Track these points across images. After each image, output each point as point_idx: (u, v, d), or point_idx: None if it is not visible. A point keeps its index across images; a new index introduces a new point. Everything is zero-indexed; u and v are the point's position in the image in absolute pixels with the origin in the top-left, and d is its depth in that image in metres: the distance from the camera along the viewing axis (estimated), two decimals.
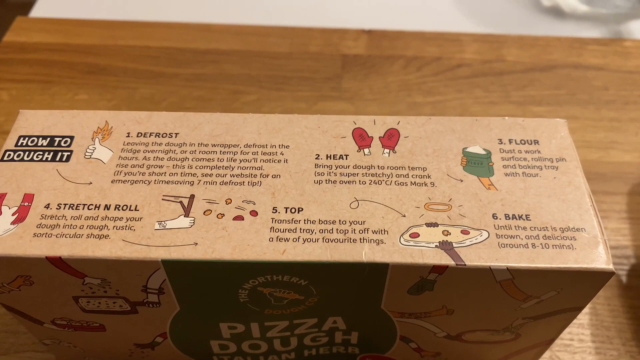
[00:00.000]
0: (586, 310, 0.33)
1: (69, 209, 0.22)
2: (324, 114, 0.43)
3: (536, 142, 0.24)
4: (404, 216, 0.21)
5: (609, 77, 0.45)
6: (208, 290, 0.22)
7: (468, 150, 0.23)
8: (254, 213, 0.21)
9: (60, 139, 0.24)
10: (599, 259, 0.20)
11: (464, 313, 0.23)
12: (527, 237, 0.21)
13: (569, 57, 0.46)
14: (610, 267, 0.20)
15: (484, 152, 0.23)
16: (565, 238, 0.21)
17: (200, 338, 0.25)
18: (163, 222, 0.21)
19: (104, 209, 0.22)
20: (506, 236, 0.21)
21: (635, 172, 0.39)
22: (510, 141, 0.24)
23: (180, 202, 0.22)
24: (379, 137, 0.24)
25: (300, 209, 0.22)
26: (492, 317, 0.23)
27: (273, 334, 0.25)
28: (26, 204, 0.22)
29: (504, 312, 0.23)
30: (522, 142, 0.24)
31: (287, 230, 0.21)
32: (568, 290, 0.21)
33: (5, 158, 0.23)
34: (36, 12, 0.52)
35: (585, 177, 0.39)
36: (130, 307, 0.23)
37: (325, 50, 0.47)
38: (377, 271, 0.21)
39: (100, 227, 0.21)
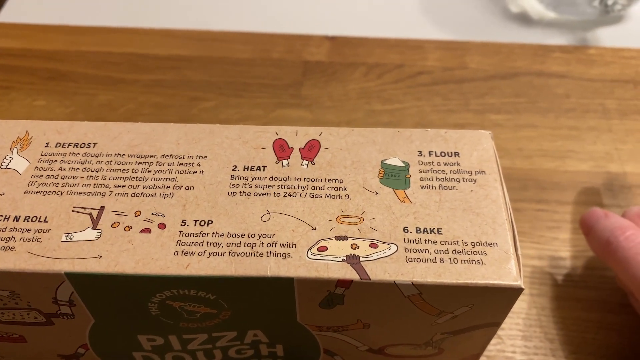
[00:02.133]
0: (531, 322, 0.32)
1: None
2: (282, 121, 0.43)
3: (457, 154, 0.23)
4: (315, 229, 0.21)
5: (570, 84, 0.45)
6: (118, 303, 0.22)
7: (386, 162, 0.23)
8: (162, 226, 0.21)
9: None
10: (508, 275, 0.20)
11: (381, 327, 0.23)
12: (436, 251, 0.21)
13: (532, 65, 0.46)
14: (519, 283, 0.20)
15: (402, 164, 0.23)
16: (475, 253, 0.21)
17: (121, 349, 0.25)
18: (70, 234, 0.21)
19: (14, 220, 0.21)
20: (415, 250, 0.20)
21: (590, 181, 0.39)
22: (430, 153, 0.23)
23: (90, 214, 0.22)
24: (299, 148, 0.23)
25: (210, 222, 0.21)
26: (410, 332, 0.23)
27: (194, 346, 0.25)
28: None
29: (420, 327, 0.22)
30: (442, 154, 0.23)
31: (193, 244, 0.21)
32: (480, 306, 0.21)
33: None
34: (2, 17, 0.52)
35: (541, 186, 0.39)
36: (45, 319, 0.23)
37: (287, 57, 0.47)
38: (283, 285, 0.20)
39: (7, 239, 0.21)
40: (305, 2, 0.52)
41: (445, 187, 0.22)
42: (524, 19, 0.52)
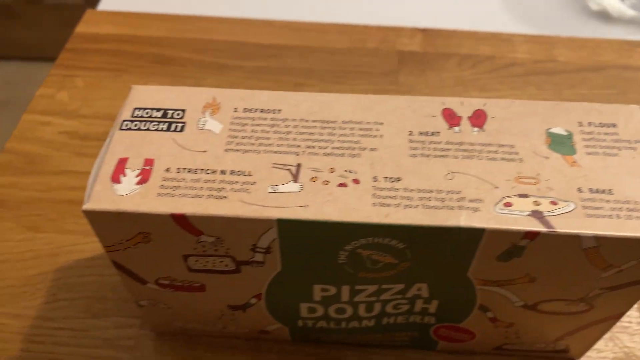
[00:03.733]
0: None
1: (187, 172, 0.24)
2: None
3: (614, 125, 0.25)
4: (497, 188, 0.23)
5: None
6: (311, 250, 0.24)
7: (551, 131, 0.25)
8: (356, 181, 0.23)
9: (173, 111, 0.26)
10: None
11: (545, 281, 0.25)
12: (611, 209, 0.22)
13: (619, 59, 0.48)
14: None
15: (566, 133, 0.25)
16: None
17: (292, 300, 0.27)
18: (275, 187, 0.23)
19: (221, 174, 0.24)
20: (592, 207, 0.22)
21: None
22: (589, 124, 0.25)
23: (289, 170, 0.24)
24: (468, 117, 0.26)
25: (399, 179, 0.23)
26: (570, 286, 0.25)
27: (360, 298, 0.27)
28: (148, 167, 0.24)
29: (583, 281, 0.24)
30: (601, 125, 0.25)
31: (388, 197, 0.23)
32: None
33: (123, 127, 0.25)
34: (102, 5, 0.55)
35: None
36: (235, 267, 0.25)
37: (381, 47, 0.49)
38: (472, 236, 0.22)
39: (219, 189, 0.23)
40: None
41: (609, 154, 0.24)
42: (602, 16, 0.54)
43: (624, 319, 0.33)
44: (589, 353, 0.32)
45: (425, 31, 0.50)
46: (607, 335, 0.33)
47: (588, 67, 0.47)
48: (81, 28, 0.51)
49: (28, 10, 1.31)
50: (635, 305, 0.34)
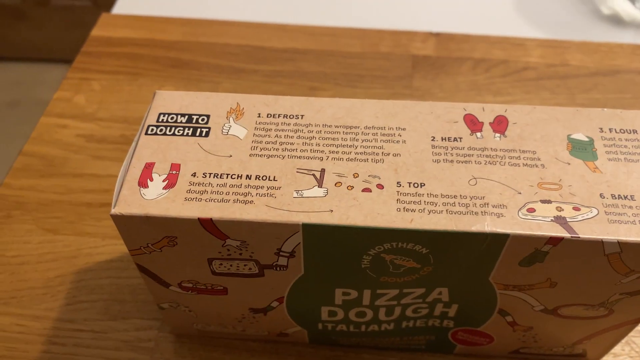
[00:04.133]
0: None
1: (214, 177, 0.24)
2: None
3: (635, 131, 0.26)
4: (520, 193, 0.23)
5: None
6: (335, 255, 0.24)
7: (572, 137, 0.25)
8: (380, 186, 0.24)
9: (198, 116, 0.26)
10: None
11: (566, 286, 0.25)
12: (634, 215, 0.23)
13: (632, 63, 0.48)
14: None
15: (587, 139, 0.25)
16: None
17: (313, 303, 0.28)
18: (300, 192, 0.23)
19: (246, 179, 0.24)
20: (614, 213, 0.23)
21: None
22: (610, 130, 0.26)
23: (313, 175, 0.24)
24: (489, 123, 0.26)
25: (423, 184, 0.24)
26: (591, 291, 0.25)
27: (381, 302, 0.27)
28: (174, 172, 0.24)
29: (603, 287, 0.25)
30: (622, 131, 0.26)
31: (412, 202, 0.23)
32: None
33: (149, 132, 0.26)
34: (118, 9, 0.55)
35: None
36: (259, 270, 0.26)
37: (395, 51, 0.50)
38: (496, 242, 0.23)
39: (245, 194, 0.23)
40: (405, 1, 0.55)
41: (630, 160, 0.24)
42: (614, 20, 0.54)
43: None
44: (606, 357, 0.32)
45: (438, 35, 0.51)
46: (623, 340, 0.33)
47: (601, 72, 0.48)
48: (97, 31, 0.52)
49: (36, 12, 1.32)
50: None
